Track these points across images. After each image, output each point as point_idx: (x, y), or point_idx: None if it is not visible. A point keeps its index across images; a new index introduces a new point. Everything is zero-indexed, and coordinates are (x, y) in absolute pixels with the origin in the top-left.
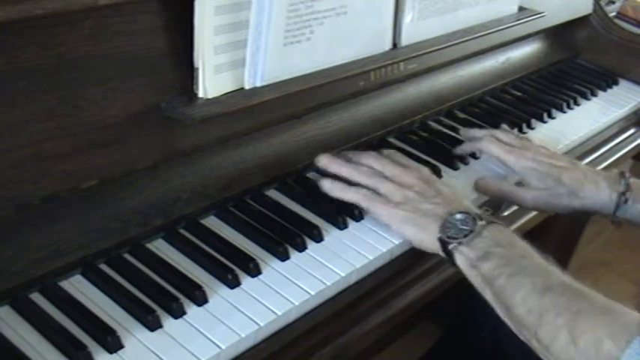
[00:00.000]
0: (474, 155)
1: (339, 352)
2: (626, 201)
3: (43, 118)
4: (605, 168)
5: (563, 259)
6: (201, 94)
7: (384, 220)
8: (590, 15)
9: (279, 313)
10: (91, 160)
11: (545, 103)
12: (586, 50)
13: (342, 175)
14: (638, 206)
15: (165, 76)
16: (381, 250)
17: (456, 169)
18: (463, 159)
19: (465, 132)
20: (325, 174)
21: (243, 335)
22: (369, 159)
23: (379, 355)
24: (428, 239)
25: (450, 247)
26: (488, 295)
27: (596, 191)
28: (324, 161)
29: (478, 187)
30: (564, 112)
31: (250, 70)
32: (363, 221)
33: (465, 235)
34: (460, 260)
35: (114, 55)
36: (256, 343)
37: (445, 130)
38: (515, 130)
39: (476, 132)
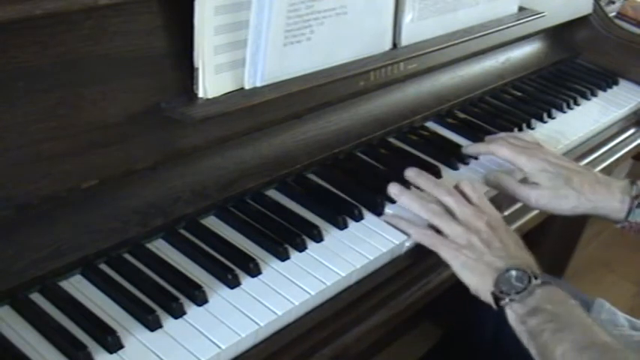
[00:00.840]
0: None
1: (339, 352)
2: (638, 205)
3: (43, 118)
4: (605, 168)
5: (563, 259)
6: (201, 94)
7: (445, 259)
8: (590, 15)
9: (279, 313)
10: (91, 160)
11: (545, 103)
12: (586, 50)
13: (408, 208)
14: None
15: (165, 76)
16: (382, 250)
17: (455, 169)
18: (463, 159)
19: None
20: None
21: (243, 335)
22: (443, 194)
23: (379, 355)
24: (482, 290)
25: (502, 302)
26: (532, 350)
27: (608, 194)
28: (394, 191)
29: (488, 182)
30: (564, 112)
31: (250, 70)
32: (363, 221)
33: (518, 292)
34: (510, 316)
35: (114, 55)
36: (256, 343)
37: (446, 130)
38: (529, 132)
39: (489, 138)
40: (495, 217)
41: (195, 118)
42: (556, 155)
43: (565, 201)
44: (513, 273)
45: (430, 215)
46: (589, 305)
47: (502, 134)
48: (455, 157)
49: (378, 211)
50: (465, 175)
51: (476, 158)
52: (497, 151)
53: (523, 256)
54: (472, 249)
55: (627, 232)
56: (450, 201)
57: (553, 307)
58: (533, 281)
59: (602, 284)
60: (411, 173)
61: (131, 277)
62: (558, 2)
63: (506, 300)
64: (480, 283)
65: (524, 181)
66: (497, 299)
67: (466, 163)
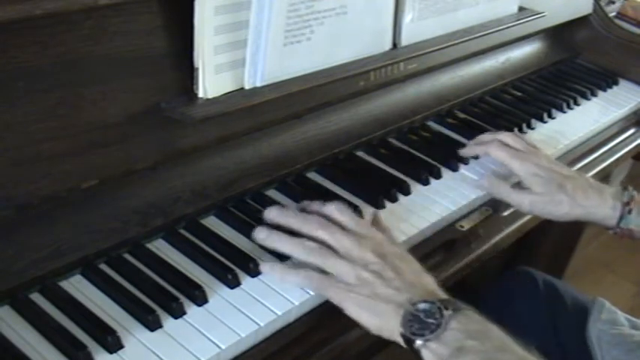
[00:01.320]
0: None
1: (339, 352)
2: (630, 211)
3: (43, 118)
4: (605, 168)
5: (563, 259)
6: (201, 94)
7: (336, 302)
8: (590, 15)
9: (279, 313)
10: (91, 160)
11: (545, 103)
12: (586, 50)
13: (282, 252)
14: None
15: (165, 76)
16: None
17: (455, 170)
18: (463, 159)
19: (472, 141)
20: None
21: (243, 335)
22: (315, 227)
23: (379, 355)
24: (388, 330)
25: (416, 345)
26: None
27: (600, 200)
28: (261, 236)
29: (482, 187)
30: (564, 112)
31: (250, 70)
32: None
33: (432, 331)
34: (429, 357)
35: (114, 55)
36: (256, 343)
37: (446, 130)
38: (528, 133)
39: (484, 137)
40: (379, 240)
41: (195, 118)
42: (550, 160)
43: (558, 207)
44: (421, 306)
45: (306, 254)
46: (589, 305)
47: (500, 133)
48: (455, 157)
49: (380, 207)
50: (465, 176)
51: (476, 158)
52: (492, 152)
53: (423, 282)
54: (364, 285)
55: (619, 238)
56: (324, 235)
57: (480, 345)
58: (445, 313)
59: (602, 284)
60: (272, 214)
61: (131, 277)
62: (558, 2)
63: (421, 341)
64: (382, 324)
65: (519, 185)
66: (408, 341)
67: (466, 164)
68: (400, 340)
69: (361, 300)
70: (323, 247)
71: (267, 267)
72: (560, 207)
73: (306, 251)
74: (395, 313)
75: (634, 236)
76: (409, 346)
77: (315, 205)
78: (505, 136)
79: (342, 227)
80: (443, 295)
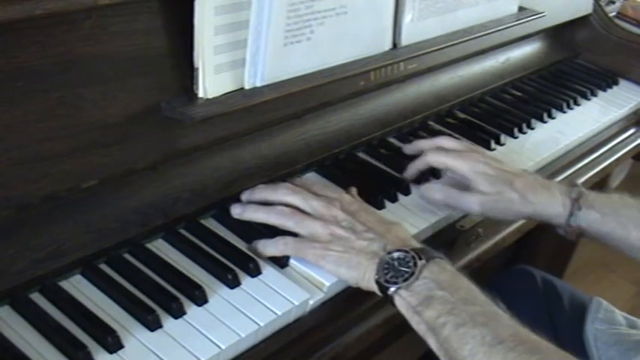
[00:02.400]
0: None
1: (339, 352)
2: (579, 208)
3: (43, 118)
4: (605, 168)
5: (563, 260)
6: (201, 94)
7: (315, 263)
8: (590, 15)
9: (279, 313)
10: (91, 160)
11: (545, 103)
12: (586, 50)
13: (260, 221)
14: (592, 213)
15: (165, 76)
16: None
17: None
18: None
19: (408, 148)
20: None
21: (243, 335)
22: (285, 193)
23: (379, 355)
24: (364, 279)
25: (389, 291)
26: (432, 344)
27: (549, 198)
28: (237, 211)
29: (423, 196)
30: (564, 112)
31: (250, 70)
32: None
33: (405, 279)
34: (400, 304)
35: (114, 55)
36: (256, 343)
37: (446, 130)
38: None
39: (419, 143)
40: (347, 200)
41: (195, 118)
42: (495, 159)
43: (509, 205)
44: (395, 255)
45: (279, 218)
46: (587, 304)
47: (427, 141)
48: None
49: (380, 207)
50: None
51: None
52: (432, 159)
53: (395, 232)
54: (338, 241)
55: (569, 237)
56: (295, 199)
57: (448, 295)
58: (419, 262)
59: (601, 284)
60: (245, 195)
61: (131, 277)
62: (558, 2)
63: (394, 288)
64: (359, 275)
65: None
66: (382, 288)
67: None
68: (375, 288)
69: (337, 256)
70: (294, 210)
71: (254, 245)
72: (511, 205)
73: (280, 216)
74: (370, 263)
75: (584, 234)
76: (383, 294)
77: (284, 183)
78: (441, 140)
79: (311, 192)
80: (416, 243)
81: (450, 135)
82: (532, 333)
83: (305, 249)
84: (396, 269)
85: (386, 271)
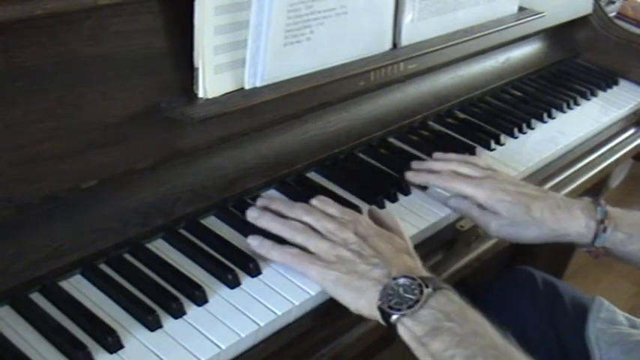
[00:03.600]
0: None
1: (339, 352)
2: (605, 229)
3: (43, 118)
4: (605, 168)
5: (563, 259)
6: (201, 94)
7: (315, 280)
8: (590, 15)
9: (279, 313)
10: (91, 160)
11: (545, 103)
12: (586, 50)
13: (273, 232)
14: (618, 234)
15: (165, 76)
16: None
17: None
18: None
19: (418, 164)
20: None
21: (243, 335)
22: (301, 212)
23: (379, 355)
24: (365, 306)
25: (392, 319)
26: None
27: (571, 220)
28: (254, 215)
29: (450, 205)
30: (564, 112)
31: (250, 70)
32: None
33: (410, 307)
34: (404, 334)
35: (114, 55)
36: (256, 343)
37: (446, 130)
38: (479, 151)
39: (434, 165)
40: (363, 223)
41: (195, 118)
42: (512, 181)
43: (526, 231)
44: (401, 281)
45: (291, 232)
46: (588, 304)
47: (451, 161)
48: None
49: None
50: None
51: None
52: (446, 184)
53: (403, 260)
54: (342, 263)
55: (593, 258)
56: (310, 219)
57: (457, 327)
58: (425, 290)
59: (601, 284)
60: (262, 201)
61: (131, 277)
62: (558, 2)
63: (397, 315)
64: (361, 300)
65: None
66: (385, 315)
67: None
68: (377, 315)
69: (339, 277)
70: (307, 228)
71: (257, 242)
72: (529, 231)
73: (292, 230)
74: (373, 289)
75: (610, 254)
76: (386, 322)
77: (301, 202)
78: (457, 165)
79: (327, 215)
80: (424, 272)
81: (449, 135)
82: None
83: (308, 264)
84: (401, 296)
85: (390, 297)
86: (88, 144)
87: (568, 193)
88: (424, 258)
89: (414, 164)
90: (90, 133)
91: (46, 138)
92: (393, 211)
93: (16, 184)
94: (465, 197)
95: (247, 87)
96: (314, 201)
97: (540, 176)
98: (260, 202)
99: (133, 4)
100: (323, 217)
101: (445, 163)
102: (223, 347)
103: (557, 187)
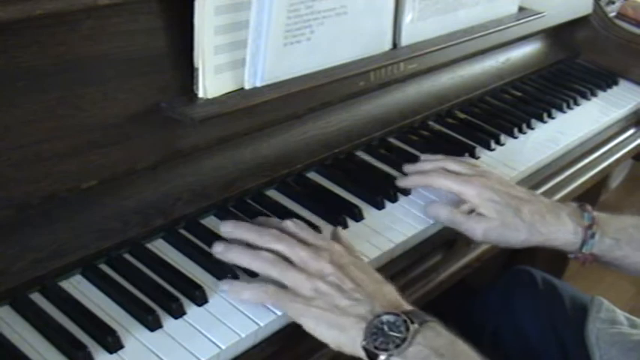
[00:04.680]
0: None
1: (339, 352)
2: (592, 235)
3: (43, 118)
4: (605, 168)
5: (563, 259)
6: (201, 94)
7: (295, 318)
8: (590, 15)
9: (279, 313)
10: (91, 160)
11: (545, 103)
12: (586, 50)
13: (240, 265)
14: (606, 240)
15: (165, 76)
16: (381, 250)
17: None
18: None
19: (410, 167)
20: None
21: (243, 335)
22: (271, 239)
23: None
24: (348, 344)
25: (380, 359)
26: None
27: (559, 225)
28: (219, 250)
29: (428, 214)
30: (564, 112)
31: (250, 70)
32: (363, 221)
33: (397, 346)
34: None
35: (114, 55)
36: (256, 343)
37: (446, 130)
38: (467, 155)
39: (423, 165)
40: (338, 252)
41: (195, 118)
42: (503, 182)
43: (515, 234)
44: (385, 318)
45: (263, 265)
46: (588, 304)
47: (441, 159)
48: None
49: (379, 207)
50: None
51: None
52: (436, 183)
53: (384, 293)
54: (322, 298)
55: (580, 264)
56: (280, 246)
57: None
58: (411, 327)
59: (601, 284)
60: (227, 228)
61: (131, 277)
62: (558, 2)
63: (384, 356)
64: (342, 337)
65: (472, 211)
66: (370, 355)
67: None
68: (362, 354)
69: (319, 314)
70: (279, 259)
71: (227, 285)
72: (518, 234)
73: (263, 263)
74: (356, 326)
75: (598, 261)
76: None
77: (273, 221)
78: (448, 163)
79: (299, 240)
80: (407, 306)
81: (449, 135)
82: None
83: (285, 302)
84: (386, 334)
85: (374, 337)
86: (88, 144)
87: (568, 193)
88: (424, 258)
89: (406, 168)
90: (90, 133)
91: (46, 138)
92: (393, 211)
93: (16, 184)
94: (446, 204)
95: (247, 87)
96: (287, 222)
97: (540, 176)
98: (224, 228)
99: (133, 4)
100: (296, 245)
101: (434, 162)
102: (223, 347)
103: (558, 187)
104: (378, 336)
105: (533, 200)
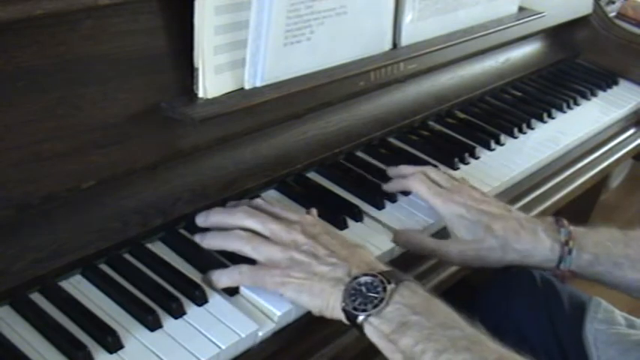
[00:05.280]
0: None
1: (339, 352)
2: (569, 251)
3: (43, 118)
4: (605, 168)
5: None
6: (201, 94)
7: (275, 291)
8: (590, 15)
9: (279, 313)
10: (91, 160)
11: (545, 103)
12: (586, 50)
13: (217, 249)
14: (584, 256)
15: (165, 76)
16: (381, 250)
17: (456, 169)
18: (462, 159)
19: (393, 170)
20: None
21: (243, 335)
22: (242, 216)
23: (379, 355)
24: (328, 308)
25: (359, 320)
26: None
27: (535, 242)
28: (198, 239)
29: (397, 240)
30: (564, 112)
31: (250, 70)
32: (362, 222)
33: (375, 306)
34: (371, 333)
35: (114, 55)
36: (256, 343)
37: (446, 130)
38: (468, 155)
39: (406, 169)
40: (309, 222)
41: (195, 118)
42: (477, 198)
43: (490, 253)
44: (362, 279)
45: (236, 243)
46: (586, 304)
47: (415, 167)
48: (454, 157)
49: (379, 207)
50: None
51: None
52: (414, 187)
53: (360, 255)
54: (298, 266)
55: (559, 279)
56: (253, 223)
57: (424, 320)
58: (388, 287)
59: (600, 285)
60: (200, 219)
61: (131, 277)
62: (558, 2)
63: (363, 316)
64: (322, 302)
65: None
66: (350, 316)
67: (466, 164)
68: (342, 317)
69: (298, 283)
70: (252, 234)
71: (208, 277)
72: (492, 253)
73: (236, 240)
74: (335, 290)
75: (578, 277)
76: (351, 323)
77: (243, 202)
78: (428, 170)
79: (270, 215)
80: (383, 266)
81: (449, 135)
82: (517, 355)
83: (262, 277)
84: (364, 295)
85: (353, 298)
86: (88, 144)
87: (568, 193)
88: (424, 258)
89: (389, 171)
90: (90, 133)
91: (46, 138)
92: (393, 211)
93: (16, 184)
94: (416, 231)
95: (247, 87)
96: (257, 200)
97: (540, 176)
98: (198, 219)
99: (133, 4)
100: (267, 219)
101: (417, 167)
102: (223, 347)
103: (558, 187)
104: (356, 297)
105: (507, 216)
